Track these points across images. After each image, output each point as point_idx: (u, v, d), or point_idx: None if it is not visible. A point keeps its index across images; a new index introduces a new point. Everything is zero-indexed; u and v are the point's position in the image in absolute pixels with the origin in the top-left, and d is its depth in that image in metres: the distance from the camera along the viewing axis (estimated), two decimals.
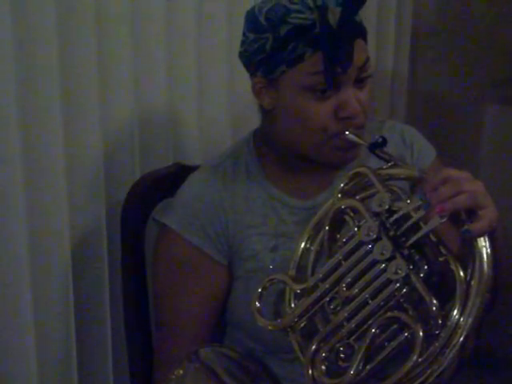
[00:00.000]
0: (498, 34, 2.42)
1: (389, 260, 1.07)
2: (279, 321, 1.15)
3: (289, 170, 1.28)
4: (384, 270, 1.07)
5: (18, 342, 1.27)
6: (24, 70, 1.22)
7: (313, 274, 1.16)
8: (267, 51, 1.17)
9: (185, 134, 1.59)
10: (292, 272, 1.17)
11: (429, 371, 1.05)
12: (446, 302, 1.07)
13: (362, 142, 1.18)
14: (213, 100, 1.65)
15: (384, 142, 1.16)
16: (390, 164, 1.16)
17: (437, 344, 1.05)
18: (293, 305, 1.15)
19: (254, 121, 1.73)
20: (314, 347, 1.11)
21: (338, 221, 1.16)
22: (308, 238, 1.18)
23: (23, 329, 1.27)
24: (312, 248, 1.17)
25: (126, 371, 1.42)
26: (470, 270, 1.07)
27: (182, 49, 1.55)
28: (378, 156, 1.17)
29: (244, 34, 1.22)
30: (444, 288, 1.08)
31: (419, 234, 1.07)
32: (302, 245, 1.18)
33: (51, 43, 1.24)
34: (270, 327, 1.15)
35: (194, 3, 1.55)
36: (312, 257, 1.17)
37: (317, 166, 1.26)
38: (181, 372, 1.11)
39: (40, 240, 1.30)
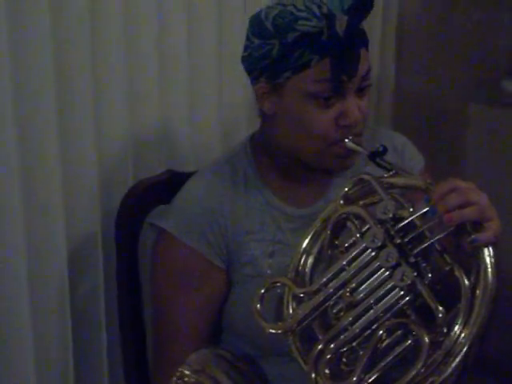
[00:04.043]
0: (482, 36, 2.44)
1: (393, 267, 1.08)
2: (280, 324, 1.15)
3: (286, 176, 1.29)
4: (389, 277, 1.08)
5: (15, 348, 1.29)
6: (20, 81, 1.23)
7: (311, 278, 1.17)
8: (273, 57, 1.17)
9: (176, 142, 1.61)
10: (291, 275, 1.18)
11: (430, 379, 1.06)
12: (448, 311, 1.07)
13: (362, 150, 1.19)
14: (203, 109, 1.66)
15: (384, 150, 1.17)
16: (391, 173, 1.17)
17: (440, 352, 1.06)
18: (291, 309, 1.15)
19: (243, 128, 1.76)
20: (317, 351, 1.11)
21: (338, 226, 1.17)
22: (308, 243, 1.19)
23: (21, 335, 1.28)
24: (311, 252, 1.18)
25: (121, 375, 1.44)
26: (472, 280, 1.08)
27: (173, 60, 1.56)
28: (377, 164, 1.18)
29: (248, 39, 1.21)
30: (445, 297, 1.09)
31: (427, 243, 1.08)
32: (302, 248, 1.19)
33: (46, 54, 1.25)
34: (272, 330, 1.15)
35: (185, 19, 1.57)
36: (311, 261, 1.18)
37: (314, 173, 1.28)
38: (178, 374, 1.12)
39: (36, 247, 1.31)
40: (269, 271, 1.26)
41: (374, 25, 2.19)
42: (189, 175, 1.39)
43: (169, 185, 1.42)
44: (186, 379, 1.11)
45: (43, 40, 1.25)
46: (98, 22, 1.38)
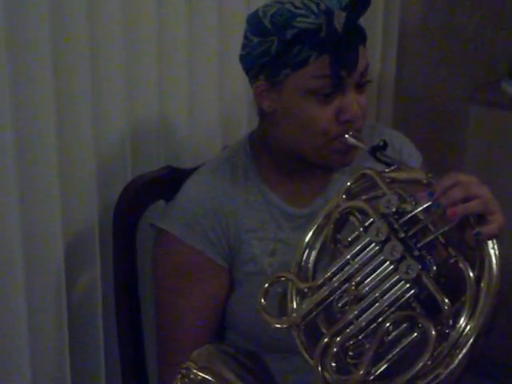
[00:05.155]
0: (482, 38, 2.46)
1: (398, 260, 1.08)
2: (285, 318, 1.14)
3: (285, 174, 1.29)
4: (394, 270, 1.08)
5: (11, 344, 1.28)
6: (19, 74, 1.23)
7: (314, 273, 1.17)
8: (272, 54, 1.17)
9: (176, 138, 1.60)
10: (294, 270, 1.18)
11: (437, 372, 1.06)
12: (451, 304, 1.08)
13: (362, 145, 1.19)
14: (203, 105, 1.66)
15: (385, 145, 1.17)
16: (392, 167, 1.17)
17: (446, 344, 1.06)
18: (295, 303, 1.15)
19: (243, 124, 1.76)
20: (322, 344, 1.10)
21: (341, 221, 1.17)
22: (310, 237, 1.19)
23: (16, 331, 1.28)
24: (314, 247, 1.18)
25: (118, 371, 1.43)
26: (476, 273, 1.09)
27: (172, 54, 1.56)
28: (378, 159, 1.18)
29: (247, 38, 1.21)
30: (449, 290, 1.09)
31: (431, 237, 1.08)
32: (305, 243, 1.18)
33: (46, 49, 1.25)
34: (277, 325, 1.14)
35: (185, 13, 1.56)
36: (313, 256, 1.18)
37: (313, 170, 1.27)
38: (184, 371, 1.11)
39: (33, 243, 1.31)
40: (270, 269, 1.26)
41: (376, 25, 2.20)
42: (188, 171, 1.39)
43: (167, 180, 1.41)
44: (191, 376, 1.10)
45: (42, 35, 1.25)
46: (97, 19, 1.38)
